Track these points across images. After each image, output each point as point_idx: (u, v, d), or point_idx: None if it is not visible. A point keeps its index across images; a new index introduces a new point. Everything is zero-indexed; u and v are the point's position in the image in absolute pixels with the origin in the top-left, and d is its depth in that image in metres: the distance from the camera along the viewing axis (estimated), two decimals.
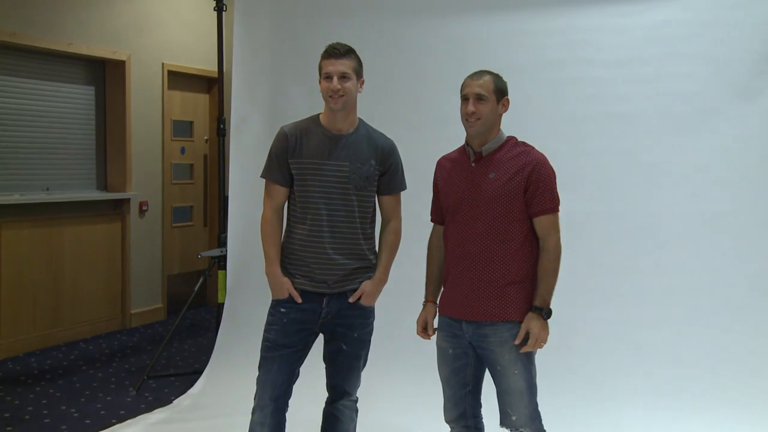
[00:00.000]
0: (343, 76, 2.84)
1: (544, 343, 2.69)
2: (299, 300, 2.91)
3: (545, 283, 2.68)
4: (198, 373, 4.89)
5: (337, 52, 2.85)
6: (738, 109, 4.02)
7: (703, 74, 4.07)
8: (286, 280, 2.92)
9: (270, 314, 2.99)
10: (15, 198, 5.49)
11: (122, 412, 4.38)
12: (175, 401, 4.54)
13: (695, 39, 4.09)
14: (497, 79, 2.76)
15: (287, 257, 2.97)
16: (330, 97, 2.85)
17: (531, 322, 2.65)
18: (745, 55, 3.99)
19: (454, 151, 2.93)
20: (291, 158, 2.92)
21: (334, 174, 2.88)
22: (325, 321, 2.95)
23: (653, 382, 4.02)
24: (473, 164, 2.77)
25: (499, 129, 2.79)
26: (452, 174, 2.84)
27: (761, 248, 3.99)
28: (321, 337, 3.05)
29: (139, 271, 6.52)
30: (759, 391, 3.88)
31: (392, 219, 3.06)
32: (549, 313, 2.67)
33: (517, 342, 2.66)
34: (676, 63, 4.11)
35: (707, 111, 4.06)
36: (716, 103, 4.05)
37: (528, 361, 2.73)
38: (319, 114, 2.99)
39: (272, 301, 2.99)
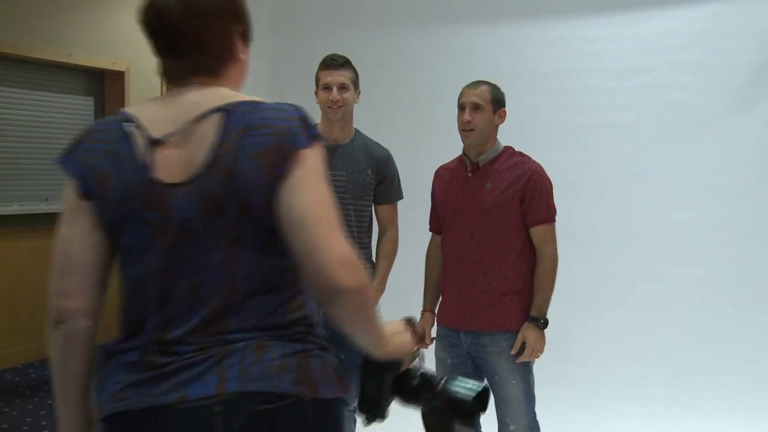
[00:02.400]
0: (342, 87, 2.85)
1: (541, 353, 2.69)
2: None
3: (541, 293, 2.68)
4: None
5: (335, 63, 2.86)
6: (736, 118, 4.04)
7: (701, 84, 4.09)
8: None
9: None
10: (14, 209, 5.49)
11: None
12: None
13: (693, 49, 4.11)
14: (494, 89, 2.76)
15: None
16: (329, 107, 2.86)
17: (527, 332, 2.65)
18: (743, 64, 4.02)
19: (452, 161, 2.93)
20: None
21: (330, 184, 2.88)
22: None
23: (652, 391, 4.02)
24: (470, 174, 2.77)
25: (496, 140, 2.79)
26: (450, 184, 2.84)
27: (759, 256, 4.00)
28: None
29: None
30: (758, 399, 3.88)
31: (389, 228, 3.06)
32: (545, 323, 2.67)
33: (513, 352, 2.66)
34: (675, 73, 4.14)
35: (705, 120, 4.08)
36: (714, 113, 4.07)
37: (526, 371, 2.72)
38: (315, 124, 2.99)
39: None
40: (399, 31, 4.68)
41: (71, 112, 6.10)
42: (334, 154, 2.90)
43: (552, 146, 4.14)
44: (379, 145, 3.02)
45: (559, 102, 4.30)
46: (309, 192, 1.32)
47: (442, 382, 1.49)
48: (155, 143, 1.33)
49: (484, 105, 2.71)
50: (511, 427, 2.71)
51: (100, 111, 6.33)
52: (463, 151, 2.83)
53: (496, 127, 2.78)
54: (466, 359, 2.78)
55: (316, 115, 2.96)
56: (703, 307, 4.04)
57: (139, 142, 1.33)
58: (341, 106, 2.85)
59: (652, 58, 4.16)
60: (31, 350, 5.61)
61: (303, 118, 1.39)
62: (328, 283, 1.25)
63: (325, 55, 2.93)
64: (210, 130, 1.32)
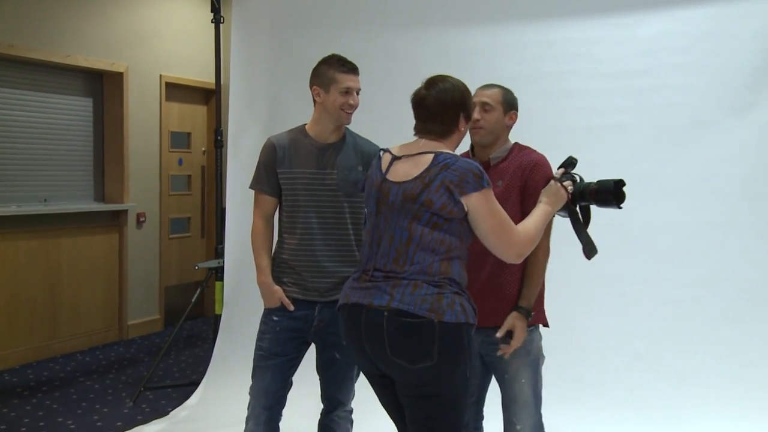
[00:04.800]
0: (358, 92, 2.92)
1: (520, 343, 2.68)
2: (291, 308, 2.92)
3: (532, 286, 2.68)
4: (195, 384, 4.88)
5: (354, 67, 2.91)
6: (732, 120, 4.04)
7: (697, 86, 4.09)
8: (277, 289, 2.93)
9: (262, 323, 3.00)
10: (12, 209, 5.50)
11: (119, 423, 4.38)
12: (172, 413, 4.54)
13: (690, 51, 4.11)
14: (506, 91, 2.81)
15: (279, 266, 2.99)
16: (346, 111, 2.90)
17: (517, 322, 2.63)
18: (740, 67, 4.01)
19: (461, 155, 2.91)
20: (279, 168, 2.94)
21: (323, 182, 2.91)
22: (317, 329, 2.95)
23: (649, 394, 4.02)
24: None
25: (507, 139, 2.82)
26: None
27: (756, 259, 4.00)
28: (314, 348, 3.05)
29: (136, 283, 6.52)
30: (756, 401, 3.89)
31: None
32: (531, 315, 2.68)
33: (499, 335, 2.63)
34: (671, 75, 4.13)
35: (702, 123, 4.08)
36: (711, 115, 4.07)
37: (535, 371, 2.74)
38: (305, 125, 3.01)
39: (264, 309, 3.00)
40: (396, 33, 4.67)
41: (70, 113, 6.12)
42: (325, 154, 2.93)
43: (548, 148, 4.09)
44: (369, 141, 3.05)
45: (556, 104, 4.30)
46: (486, 223, 2.34)
47: (592, 184, 2.70)
48: (395, 159, 2.46)
49: (494, 105, 2.75)
50: (518, 427, 2.72)
51: (98, 112, 6.35)
52: (472, 151, 2.85)
53: (508, 128, 2.82)
54: (475, 360, 2.78)
55: (308, 112, 2.99)
56: (700, 310, 4.04)
57: (385, 160, 2.49)
58: (354, 111, 2.92)
59: (648, 60, 4.16)
60: (30, 351, 5.62)
61: (480, 170, 2.33)
62: (516, 261, 2.43)
63: (321, 57, 2.95)
64: (425, 160, 2.36)
